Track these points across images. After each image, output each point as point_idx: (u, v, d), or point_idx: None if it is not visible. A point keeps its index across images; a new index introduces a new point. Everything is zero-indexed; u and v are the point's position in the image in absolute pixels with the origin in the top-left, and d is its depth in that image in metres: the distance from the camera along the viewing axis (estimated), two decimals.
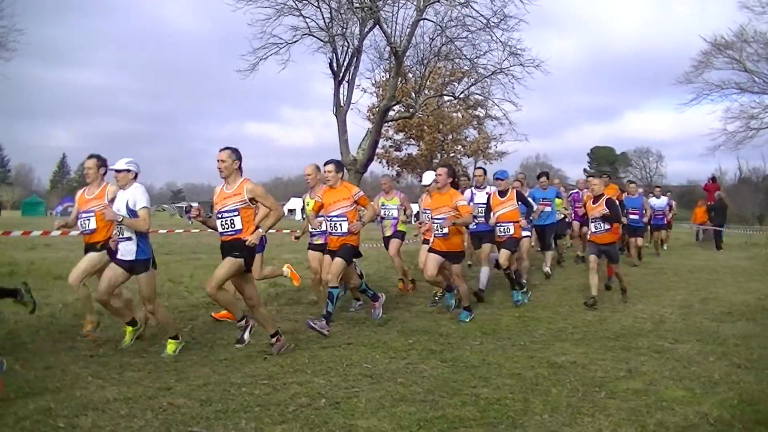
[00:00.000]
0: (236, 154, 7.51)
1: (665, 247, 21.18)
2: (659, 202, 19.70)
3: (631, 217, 15.76)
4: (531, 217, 12.25)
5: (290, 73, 58.24)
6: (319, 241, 9.95)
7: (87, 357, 7.28)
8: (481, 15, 17.83)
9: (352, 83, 17.58)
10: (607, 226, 10.98)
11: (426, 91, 20.95)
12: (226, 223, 7.42)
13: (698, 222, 26.19)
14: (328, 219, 8.93)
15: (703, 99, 35.83)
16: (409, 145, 38.66)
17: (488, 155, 36.93)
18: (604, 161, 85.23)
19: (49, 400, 5.60)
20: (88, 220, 8.05)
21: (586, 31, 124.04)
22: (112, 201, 7.68)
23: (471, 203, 11.08)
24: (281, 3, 17.19)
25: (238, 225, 7.39)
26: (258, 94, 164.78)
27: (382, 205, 11.72)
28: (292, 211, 72.50)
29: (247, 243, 7.30)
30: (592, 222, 11.11)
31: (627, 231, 15.99)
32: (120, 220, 7.23)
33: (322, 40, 16.82)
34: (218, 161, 7.45)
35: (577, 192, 16.84)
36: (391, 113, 19.49)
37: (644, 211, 16.83)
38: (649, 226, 19.12)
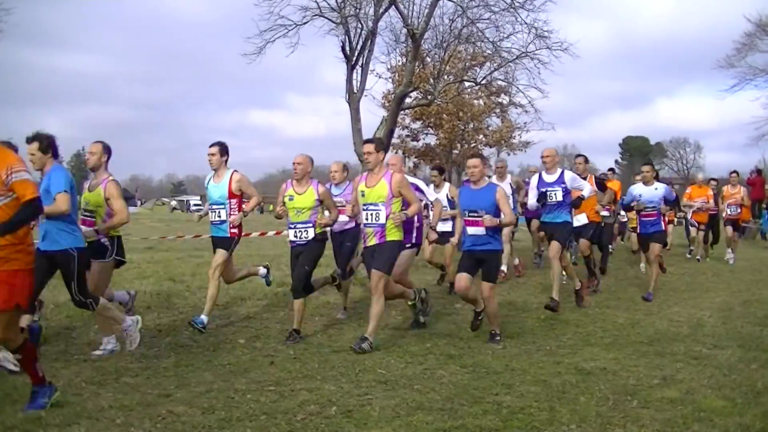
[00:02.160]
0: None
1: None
2: (649, 191, 12.37)
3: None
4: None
5: (296, 59, 58.11)
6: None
7: (80, 361, 7.32)
8: None
9: (366, 68, 17.52)
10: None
11: (445, 77, 20.86)
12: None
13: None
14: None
15: (747, 84, 35.43)
16: (426, 134, 38.52)
17: (512, 145, 36.72)
18: (638, 152, 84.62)
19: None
20: None
21: (613, 12, 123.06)
22: None
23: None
24: None
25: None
26: (262, 80, 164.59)
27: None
28: None
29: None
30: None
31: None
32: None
33: (334, 22, 16.76)
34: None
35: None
36: (408, 100, 19.43)
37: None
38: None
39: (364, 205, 8.32)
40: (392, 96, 21.81)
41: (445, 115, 34.18)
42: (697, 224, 17.30)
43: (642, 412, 5.67)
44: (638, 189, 11.89)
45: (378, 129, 17.22)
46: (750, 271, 15.41)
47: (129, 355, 7.55)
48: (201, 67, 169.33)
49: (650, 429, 5.28)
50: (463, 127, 35.98)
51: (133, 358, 7.45)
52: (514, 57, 18.94)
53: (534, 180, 10.82)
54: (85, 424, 5.28)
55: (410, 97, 20.23)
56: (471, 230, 8.43)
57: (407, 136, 40.42)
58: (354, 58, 16.80)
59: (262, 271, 10.02)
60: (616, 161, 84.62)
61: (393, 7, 16.26)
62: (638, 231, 12.46)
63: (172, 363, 7.33)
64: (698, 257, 17.22)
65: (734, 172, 17.67)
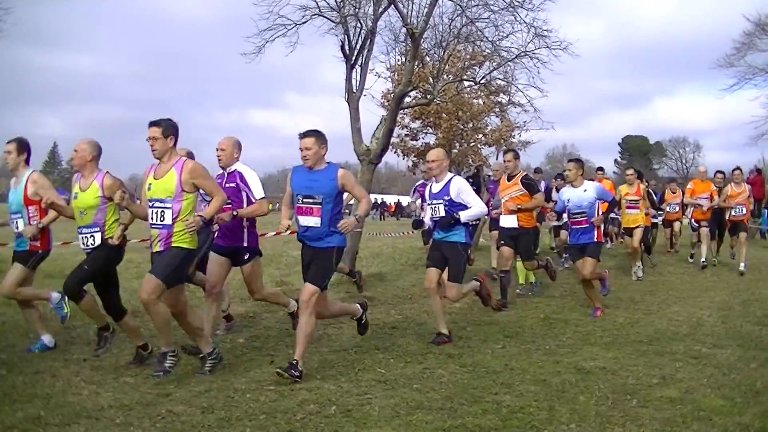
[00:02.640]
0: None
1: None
2: (577, 194, 10.44)
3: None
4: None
5: (295, 59, 58.25)
6: None
7: (80, 361, 7.32)
8: None
9: (365, 67, 17.51)
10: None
11: (444, 76, 20.84)
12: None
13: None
14: None
15: (746, 84, 35.45)
16: (426, 133, 38.52)
17: (511, 145, 36.75)
18: (637, 151, 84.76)
19: (39, 407, 5.63)
20: None
21: (610, 12, 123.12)
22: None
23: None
24: None
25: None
26: (262, 79, 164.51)
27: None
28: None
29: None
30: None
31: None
32: None
33: (333, 21, 16.74)
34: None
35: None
36: (407, 100, 19.39)
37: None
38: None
39: (149, 200, 6.80)
40: (391, 95, 21.78)
41: (444, 115, 34.09)
42: (698, 225, 15.88)
43: (641, 411, 5.68)
44: (566, 193, 10.45)
45: (377, 128, 17.21)
46: (750, 270, 15.40)
47: (129, 355, 7.55)
48: (200, 67, 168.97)
49: (649, 428, 5.28)
50: (462, 127, 35.89)
51: (132, 358, 7.45)
52: (514, 56, 18.95)
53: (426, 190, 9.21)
54: (85, 423, 5.28)
55: (409, 96, 20.20)
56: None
57: (406, 135, 40.39)
58: (353, 58, 16.78)
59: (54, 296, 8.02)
60: (616, 161, 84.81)
61: (392, 6, 16.25)
62: (568, 242, 11.30)
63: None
64: (703, 259, 15.52)
65: (737, 168, 16.71)
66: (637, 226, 14.11)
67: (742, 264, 14.84)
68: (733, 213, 15.44)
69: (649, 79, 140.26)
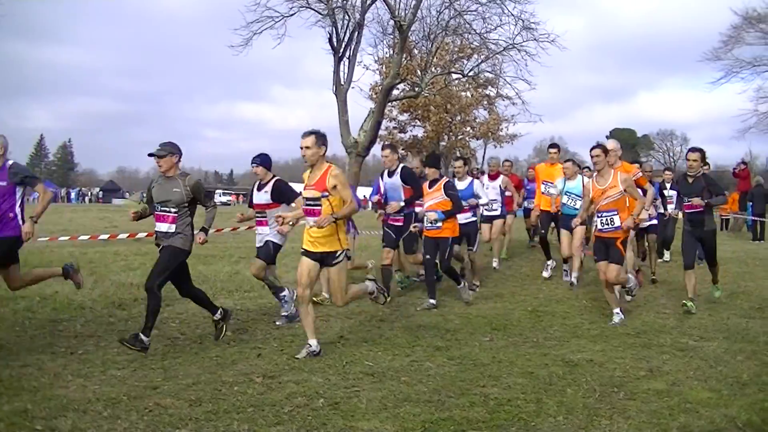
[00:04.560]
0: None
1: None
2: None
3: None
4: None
5: (282, 52, 58.08)
6: None
7: (67, 354, 7.29)
8: None
9: (353, 60, 17.55)
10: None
11: (433, 69, 20.87)
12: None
13: (732, 210, 25.93)
14: None
15: (733, 77, 35.62)
16: (414, 126, 38.55)
17: (499, 138, 36.78)
18: (624, 144, 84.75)
19: (26, 400, 5.61)
20: None
21: (593, 5, 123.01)
22: None
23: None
24: None
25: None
26: (249, 73, 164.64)
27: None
28: None
29: None
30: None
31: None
32: None
33: (320, 13, 16.76)
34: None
35: None
36: (395, 92, 19.44)
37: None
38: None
39: None
40: (379, 88, 21.79)
41: (432, 107, 34.16)
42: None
43: (628, 404, 5.70)
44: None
45: (365, 121, 17.22)
46: (736, 263, 15.45)
47: (116, 348, 7.53)
48: (188, 60, 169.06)
49: (636, 420, 5.30)
50: (450, 119, 35.97)
51: (119, 351, 7.43)
52: (502, 49, 18.99)
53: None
54: (72, 416, 5.26)
55: (397, 88, 20.25)
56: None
57: (395, 128, 40.39)
58: (341, 50, 16.79)
59: None
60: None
61: None
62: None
63: (159, 355, 7.32)
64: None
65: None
66: None
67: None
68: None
69: (633, 73, 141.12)
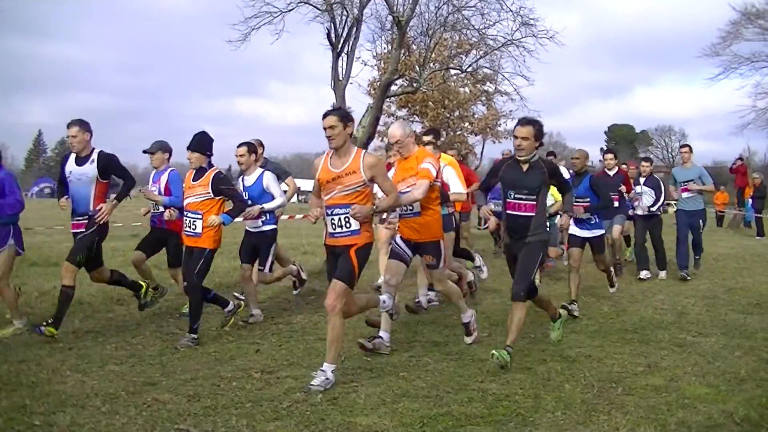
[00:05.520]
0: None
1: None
2: None
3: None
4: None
5: (280, 47, 58.15)
6: None
7: (65, 349, 7.29)
8: None
9: (351, 55, 17.47)
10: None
11: (431, 64, 20.82)
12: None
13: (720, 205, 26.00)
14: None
15: (732, 73, 35.59)
16: (412, 121, 38.53)
17: (497, 133, 36.75)
18: (623, 140, 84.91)
19: (24, 395, 5.62)
20: None
21: (588, 3, 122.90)
22: None
23: None
24: None
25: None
26: (247, 68, 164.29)
27: None
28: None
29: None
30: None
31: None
32: None
33: (318, 9, 16.67)
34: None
35: None
36: (394, 88, 19.37)
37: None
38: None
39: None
40: (378, 83, 21.75)
41: (430, 103, 34.14)
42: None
43: (626, 399, 5.71)
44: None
45: (363, 116, 17.18)
46: (734, 259, 15.49)
47: (114, 343, 7.53)
48: (186, 56, 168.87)
49: (634, 416, 5.31)
50: (448, 115, 35.93)
51: (118, 346, 7.43)
52: (500, 44, 18.94)
53: None
54: (71, 411, 5.27)
55: (396, 84, 20.18)
56: None
57: (393, 123, 40.45)
58: (339, 46, 16.71)
59: None
60: (601, 149, 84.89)
61: None
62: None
63: (157, 351, 7.33)
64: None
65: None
66: None
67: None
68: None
69: (630, 69, 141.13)
